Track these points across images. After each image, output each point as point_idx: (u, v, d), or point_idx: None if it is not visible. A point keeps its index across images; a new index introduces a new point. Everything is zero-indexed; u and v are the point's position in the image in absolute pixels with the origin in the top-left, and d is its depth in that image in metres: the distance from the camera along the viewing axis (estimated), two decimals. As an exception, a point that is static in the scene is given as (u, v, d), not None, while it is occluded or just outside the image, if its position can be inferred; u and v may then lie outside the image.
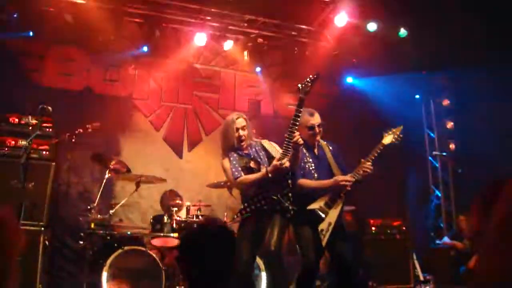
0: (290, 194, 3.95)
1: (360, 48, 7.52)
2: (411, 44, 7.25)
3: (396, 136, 4.25)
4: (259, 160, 4.09)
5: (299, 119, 3.84)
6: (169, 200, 5.85)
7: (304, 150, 4.10)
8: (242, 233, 3.96)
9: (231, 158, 4.08)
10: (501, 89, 6.51)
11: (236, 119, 4.13)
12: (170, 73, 7.58)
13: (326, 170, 4.15)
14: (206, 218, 5.27)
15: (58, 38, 6.69)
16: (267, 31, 7.39)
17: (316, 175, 4.09)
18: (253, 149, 4.18)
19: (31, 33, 6.45)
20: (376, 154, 4.13)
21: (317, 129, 4.16)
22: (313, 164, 4.12)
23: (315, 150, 4.23)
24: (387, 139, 4.24)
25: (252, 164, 4.04)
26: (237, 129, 4.09)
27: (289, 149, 3.83)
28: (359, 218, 6.71)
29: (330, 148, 4.30)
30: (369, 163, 4.07)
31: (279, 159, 3.85)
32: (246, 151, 4.15)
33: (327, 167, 4.17)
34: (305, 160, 4.11)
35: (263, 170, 3.94)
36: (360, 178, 4.07)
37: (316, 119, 4.17)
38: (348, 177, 4.03)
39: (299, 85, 3.84)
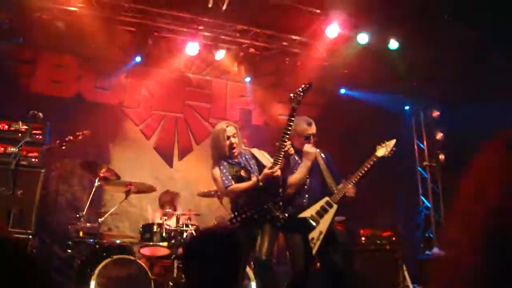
0: (281, 203, 3.95)
1: (351, 59, 7.58)
2: (401, 55, 7.33)
3: (389, 149, 4.30)
4: (249, 168, 4.08)
5: (291, 128, 3.84)
6: (165, 198, 6.20)
7: (297, 158, 4.12)
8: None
9: (222, 167, 4.06)
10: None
11: (227, 127, 4.13)
12: (161, 81, 7.57)
13: (319, 178, 4.17)
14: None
15: (50, 45, 6.67)
16: (259, 41, 7.42)
17: (308, 182, 4.11)
18: (243, 158, 4.17)
19: (21, 39, 6.42)
20: (369, 166, 4.17)
21: (312, 139, 4.20)
22: (306, 172, 4.14)
23: (308, 159, 4.25)
24: (380, 151, 4.28)
25: (242, 173, 4.03)
26: (228, 137, 4.09)
27: (280, 158, 3.83)
28: (349, 229, 6.70)
29: (322, 156, 4.33)
30: (351, 185, 4.09)
31: (270, 168, 3.85)
32: (236, 160, 4.14)
33: (319, 175, 4.19)
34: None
35: (254, 178, 3.94)
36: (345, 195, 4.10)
37: (313, 129, 4.22)
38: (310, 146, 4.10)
39: (291, 95, 3.84)
